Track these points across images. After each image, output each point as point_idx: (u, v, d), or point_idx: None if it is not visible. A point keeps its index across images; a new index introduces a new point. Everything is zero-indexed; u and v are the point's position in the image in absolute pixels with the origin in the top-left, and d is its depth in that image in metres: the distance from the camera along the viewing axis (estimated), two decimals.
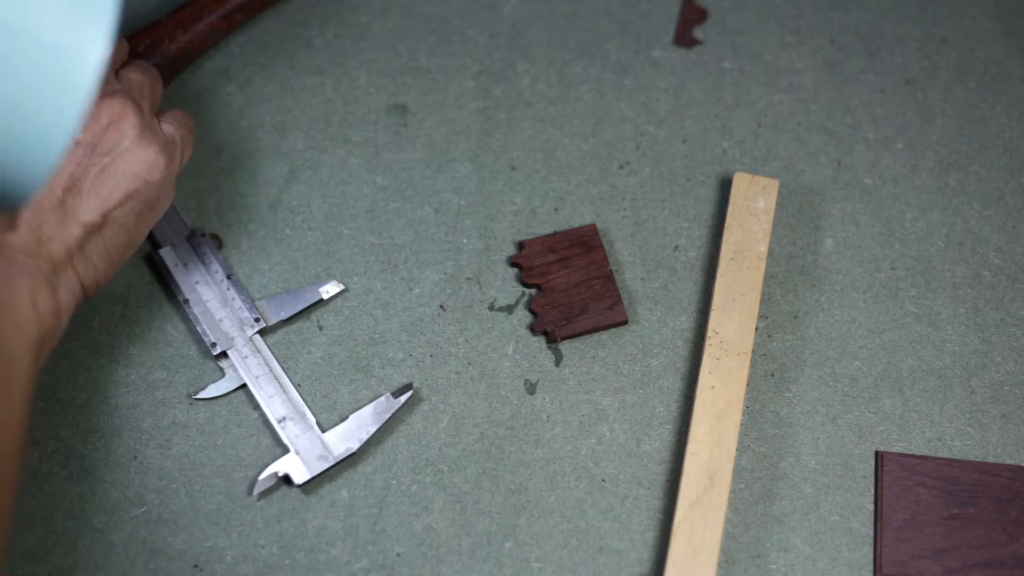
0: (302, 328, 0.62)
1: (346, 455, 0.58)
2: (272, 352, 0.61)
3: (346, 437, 0.58)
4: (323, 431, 0.59)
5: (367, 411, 0.59)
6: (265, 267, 0.63)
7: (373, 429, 0.59)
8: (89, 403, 0.60)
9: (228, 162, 0.66)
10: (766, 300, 0.63)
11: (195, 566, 0.57)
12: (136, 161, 0.55)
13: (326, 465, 0.58)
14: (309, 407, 0.60)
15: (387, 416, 0.59)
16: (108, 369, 0.61)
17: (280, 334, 0.62)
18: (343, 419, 0.59)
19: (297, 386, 0.61)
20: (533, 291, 0.63)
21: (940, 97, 0.69)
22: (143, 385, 0.60)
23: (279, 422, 0.59)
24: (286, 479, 0.58)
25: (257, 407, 0.60)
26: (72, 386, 0.60)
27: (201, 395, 0.60)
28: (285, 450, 0.58)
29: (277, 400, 0.59)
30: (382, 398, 0.59)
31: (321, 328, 0.62)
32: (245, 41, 0.70)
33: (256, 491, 0.57)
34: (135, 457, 0.59)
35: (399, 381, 0.61)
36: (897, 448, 0.60)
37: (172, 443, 0.59)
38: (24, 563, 0.56)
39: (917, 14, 0.71)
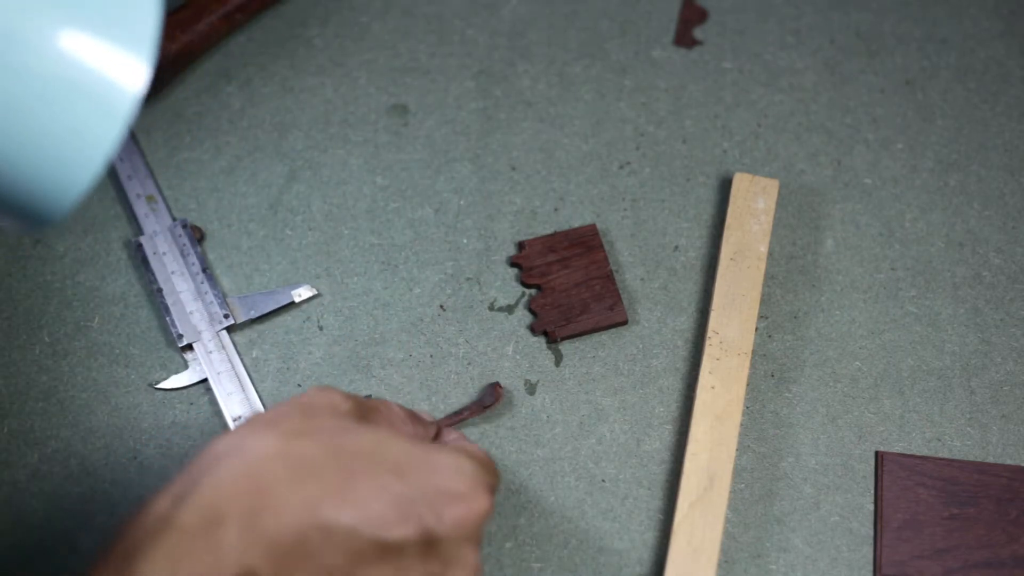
0: (302, 328, 0.62)
1: None
2: (237, 350, 0.61)
3: None
4: None
5: None
6: (265, 267, 0.63)
7: None
8: (89, 403, 0.60)
9: (228, 162, 0.66)
10: (766, 300, 0.63)
11: None
12: None
13: None
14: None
15: None
16: (108, 369, 0.61)
17: (280, 334, 0.62)
18: None
19: (297, 386, 0.61)
20: (533, 291, 0.63)
21: (940, 97, 0.69)
22: (143, 385, 0.60)
23: (234, 420, 0.59)
24: None
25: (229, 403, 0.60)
26: (72, 386, 0.60)
27: (162, 385, 0.60)
28: None
29: (235, 398, 0.59)
30: None
31: (321, 328, 0.62)
32: (245, 41, 0.70)
33: None
34: (135, 457, 0.59)
35: (399, 381, 0.61)
36: (897, 448, 0.60)
37: (172, 443, 0.59)
38: (24, 563, 0.56)
39: (917, 14, 0.71)
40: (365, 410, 0.48)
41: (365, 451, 0.44)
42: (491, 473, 0.48)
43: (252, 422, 0.46)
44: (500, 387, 0.59)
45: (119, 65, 0.39)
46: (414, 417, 0.52)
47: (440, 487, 0.45)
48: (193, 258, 0.62)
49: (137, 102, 0.39)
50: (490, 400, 0.59)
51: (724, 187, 0.66)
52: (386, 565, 0.44)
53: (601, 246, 0.63)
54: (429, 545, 0.45)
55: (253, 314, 0.62)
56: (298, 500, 0.42)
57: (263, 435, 0.44)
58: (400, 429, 0.49)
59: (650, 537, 0.58)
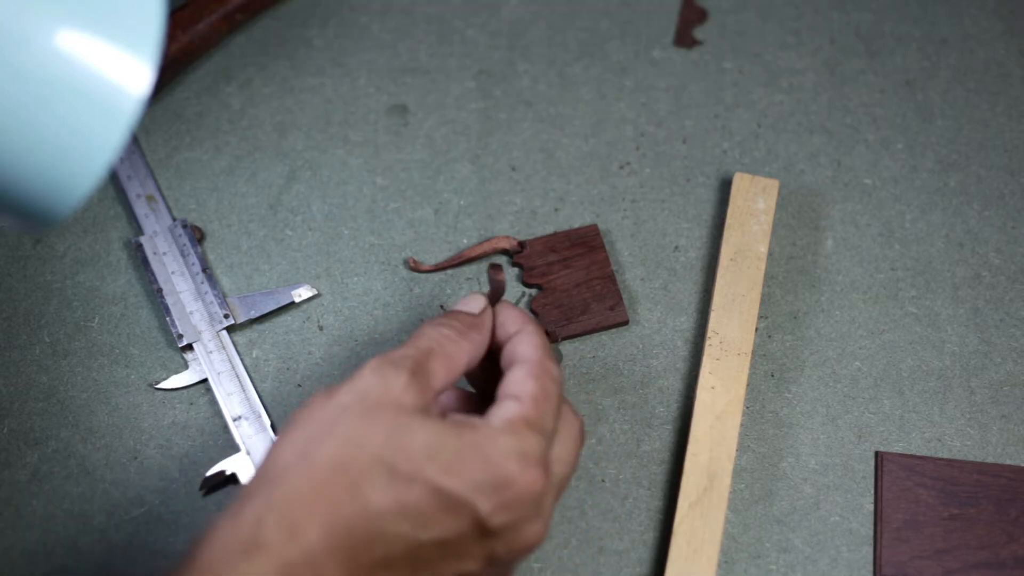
0: (302, 328, 0.62)
1: None
2: (237, 350, 0.61)
3: None
4: (276, 434, 0.59)
5: None
6: (265, 267, 0.63)
7: None
8: (89, 403, 0.60)
9: (228, 162, 0.66)
10: (766, 300, 0.63)
11: None
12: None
13: None
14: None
15: None
16: (108, 369, 0.61)
17: (281, 334, 0.62)
18: None
19: (297, 386, 0.61)
20: (534, 291, 0.63)
21: (940, 97, 0.69)
22: (143, 385, 0.60)
23: (234, 420, 0.59)
24: (232, 478, 0.58)
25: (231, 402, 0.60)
26: (72, 386, 0.60)
27: (162, 385, 0.60)
28: (237, 449, 0.59)
29: (235, 398, 0.59)
30: None
31: (321, 328, 0.62)
32: (245, 41, 0.70)
33: (203, 487, 0.57)
34: (135, 457, 0.59)
35: None
36: (897, 448, 0.60)
37: (172, 443, 0.59)
38: (24, 563, 0.56)
39: (917, 14, 0.71)
40: (421, 382, 0.47)
41: (421, 452, 0.45)
42: (544, 435, 0.47)
43: (310, 422, 0.46)
44: (496, 270, 0.51)
45: (122, 67, 0.39)
46: (465, 330, 0.50)
47: (489, 475, 0.45)
48: (193, 258, 0.62)
49: (140, 105, 0.39)
50: (496, 285, 0.51)
51: (724, 187, 0.66)
52: (447, 555, 0.46)
53: (603, 246, 0.63)
54: (484, 531, 0.46)
55: (253, 314, 0.62)
56: (360, 510, 0.44)
57: (325, 443, 0.45)
58: (460, 362, 0.48)
59: (650, 537, 0.58)
